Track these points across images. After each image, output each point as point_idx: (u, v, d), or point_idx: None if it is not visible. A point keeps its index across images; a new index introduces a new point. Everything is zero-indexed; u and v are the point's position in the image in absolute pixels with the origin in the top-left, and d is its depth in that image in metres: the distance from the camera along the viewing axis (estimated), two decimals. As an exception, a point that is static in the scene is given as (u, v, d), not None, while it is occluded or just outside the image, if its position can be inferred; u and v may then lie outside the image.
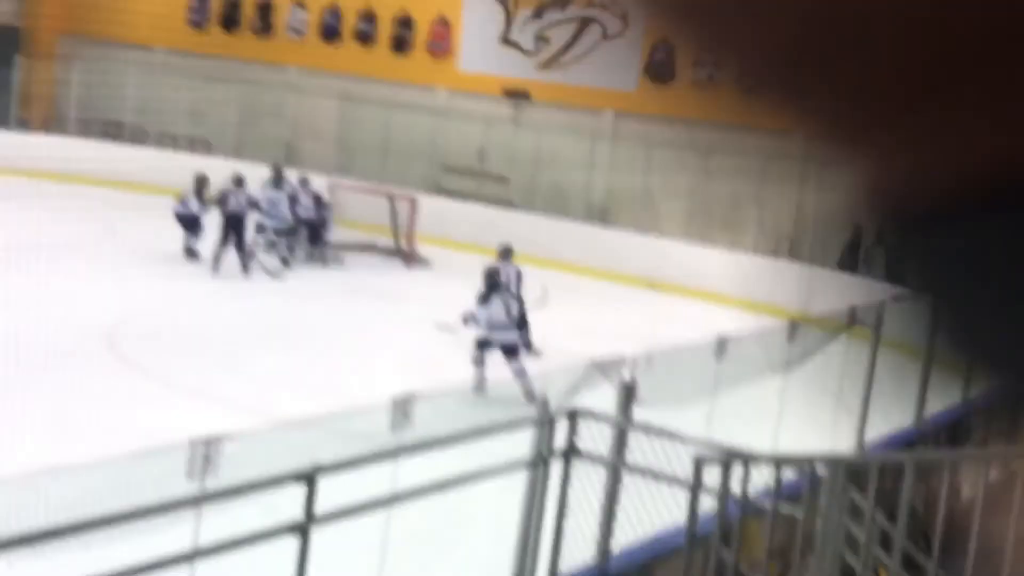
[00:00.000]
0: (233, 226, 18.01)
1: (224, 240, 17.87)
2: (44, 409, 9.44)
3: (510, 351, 12.32)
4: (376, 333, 13.16)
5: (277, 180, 19.48)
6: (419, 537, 7.97)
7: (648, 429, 6.48)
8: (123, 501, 4.77)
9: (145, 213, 18.73)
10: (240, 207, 18.08)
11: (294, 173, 20.37)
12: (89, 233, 17.77)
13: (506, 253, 17.13)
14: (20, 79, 26.62)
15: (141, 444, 7.83)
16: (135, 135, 25.30)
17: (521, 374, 11.86)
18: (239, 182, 18.48)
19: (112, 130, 25.42)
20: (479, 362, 12.13)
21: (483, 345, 12.34)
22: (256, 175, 19.59)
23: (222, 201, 18.07)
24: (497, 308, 12.51)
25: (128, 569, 4.25)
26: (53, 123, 25.91)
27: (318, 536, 5.09)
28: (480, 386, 11.65)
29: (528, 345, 15.15)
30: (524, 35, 24.46)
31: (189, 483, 5.05)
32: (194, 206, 18.16)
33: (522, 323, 13.79)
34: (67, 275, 11.82)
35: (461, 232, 21.35)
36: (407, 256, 20.87)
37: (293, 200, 19.21)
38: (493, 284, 12.89)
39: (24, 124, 25.83)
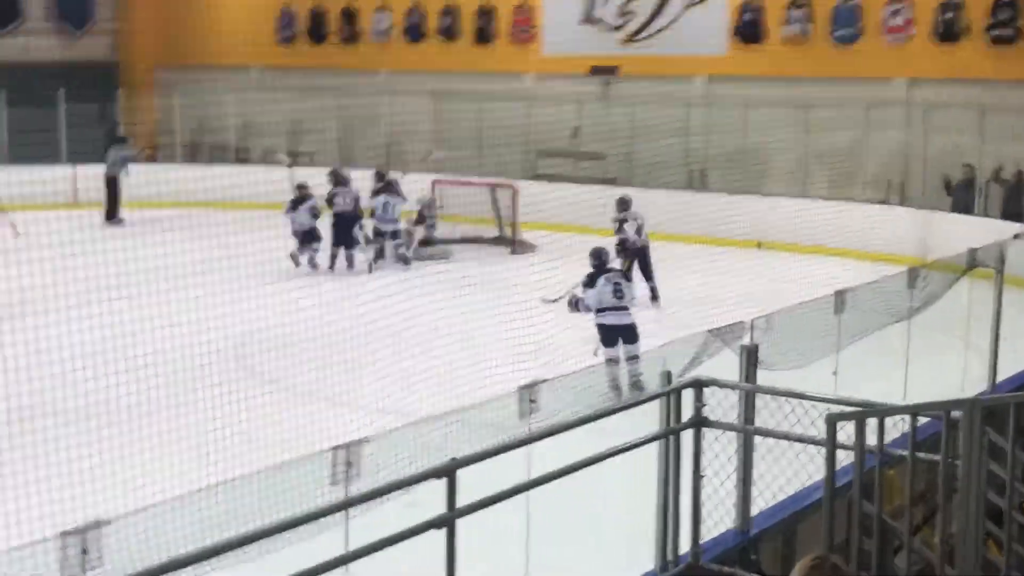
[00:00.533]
0: (343, 225, 18.60)
1: (336, 241, 18.49)
2: (186, 427, 9.75)
3: (625, 333, 11.96)
4: (493, 322, 13.25)
5: (381, 183, 19.91)
6: (559, 520, 8.08)
7: (775, 392, 6.48)
8: (273, 512, 4.94)
9: (257, 229, 19.12)
10: (347, 205, 18.69)
11: (395, 174, 20.69)
12: (207, 253, 18.30)
13: (624, 203, 17.59)
14: (122, 112, 27.37)
15: (282, 454, 8.08)
16: (240, 155, 25.82)
17: (634, 360, 11.22)
18: (344, 181, 19.11)
19: (218, 153, 25.99)
20: (612, 358, 11.49)
21: (608, 334, 11.96)
22: (362, 184, 19.93)
23: (330, 201, 18.74)
24: (605, 290, 12.18)
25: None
26: (158, 153, 26.59)
27: (461, 527, 5.20)
28: (615, 383, 10.39)
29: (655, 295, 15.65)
30: (607, 11, 24.39)
31: (333, 488, 5.22)
32: (304, 219, 18.57)
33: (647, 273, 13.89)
34: (192, 296, 12.12)
35: (563, 214, 21.38)
36: (513, 243, 21.03)
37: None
38: (600, 265, 12.56)
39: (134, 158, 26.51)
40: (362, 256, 18.95)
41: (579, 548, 7.97)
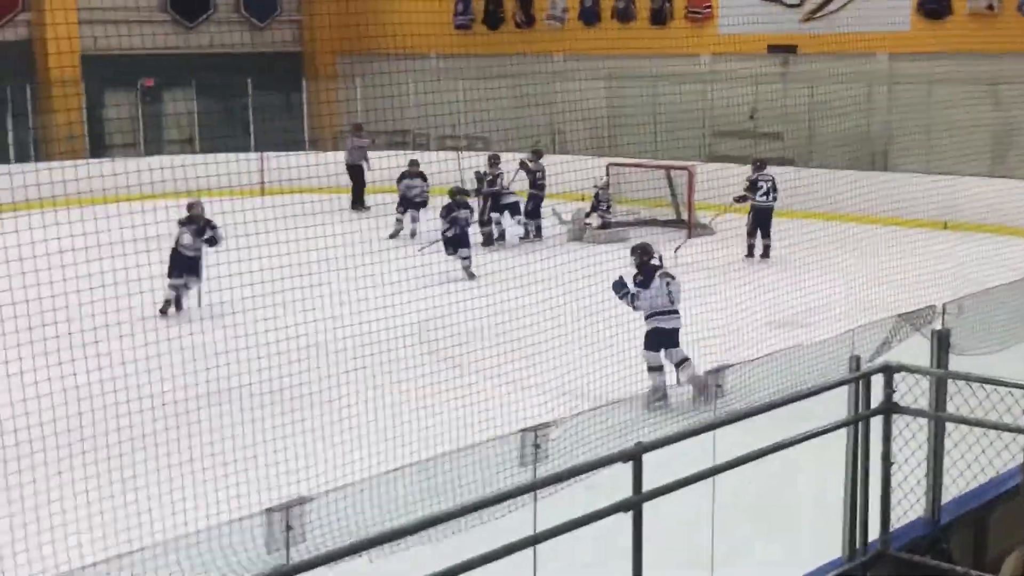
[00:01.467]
0: (494, 205, 19.16)
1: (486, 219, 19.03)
2: (381, 408, 10.03)
3: (672, 338, 11.21)
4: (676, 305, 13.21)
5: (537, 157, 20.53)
6: (744, 507, 8.05)
7: (967, 378, 6.31)
8: (463, 492, 5.07)
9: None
10: (500, 186, 19.29)
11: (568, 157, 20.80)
12: (382, 235, 18.77)
13: (760, 165, 18.03)
14: (307, 102, 28.19)
15: (471, 436, 8.27)
16: (419, 141, 26.30)
17: (685, 363, 10.80)
18: (495, 160, 19.67)
19: (398, 139, 26.53)
20: (655, 365, 10.92)
21: (658, 339, 11.16)
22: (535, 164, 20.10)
23: (484, 181, 19.32)
24: (660, 292, 11.34)
25: (476, 559, 4.46)
26: (341, 140, 27.25)
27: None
28: (658, 396, 10.16)
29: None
30: (786, -11, 23.99)
31: (522, 470, 5.33)
32: (463, 217, 18.56)
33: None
34: (374, 280, 12.42)
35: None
36: (690, 226, 20.89)
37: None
38: (647, 261, 11.66)
39: (315, 144, 27.29)
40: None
41: (765, 535, 7.92)
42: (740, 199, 19.11)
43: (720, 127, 24.42)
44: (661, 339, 11.17)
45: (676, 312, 11.37)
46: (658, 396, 10.12)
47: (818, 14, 23.67)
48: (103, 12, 26.25)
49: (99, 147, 26.02)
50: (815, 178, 21.25)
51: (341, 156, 24.21)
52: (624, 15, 26.56)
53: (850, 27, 23.00)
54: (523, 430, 5.32)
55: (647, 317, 11.33)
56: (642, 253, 11.77)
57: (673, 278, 11.55)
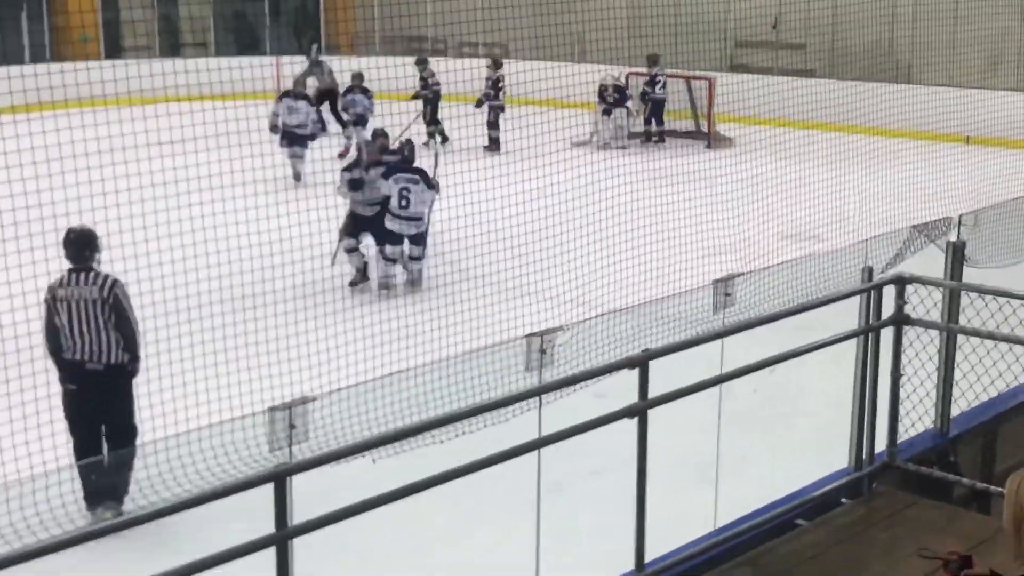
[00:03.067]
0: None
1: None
2: (387, 310, 10.05)
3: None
4: (688, 216, 13.14)
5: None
6: (751, 416, 8.05)
7: (981, 290, 6.25)
8: (469, 395, 5.08)
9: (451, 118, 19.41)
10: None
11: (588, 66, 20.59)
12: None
13: (654, 60, 18.20)
14: (324, 3, 27.90)
15: (477, 341, 8.27)
16: (438, 47, 25.99)
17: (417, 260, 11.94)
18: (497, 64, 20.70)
19: (415, 45, 26.22)
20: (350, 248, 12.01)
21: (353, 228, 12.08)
22: (555, 73, 19.87)
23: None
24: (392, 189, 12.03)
25: (480, 461, 4.47)
26: (358, 45, 27.01)
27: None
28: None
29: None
30: None
31: (527, 375, 5.31)
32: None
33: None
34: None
35: (761, 107, 20.89)
36: (710, 137, 20.71)
37: None
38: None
39: (334, 50, 27.03)
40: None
41: (772, 443, 7.94)
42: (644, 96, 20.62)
43: (742, 37, 24.06)
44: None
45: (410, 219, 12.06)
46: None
47: (846, -78, 23.18)
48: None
49: (114, 50, 25.83)
50: (838, 89, 20.98)
51: (357, 63, 23.71)
52: (647, -81, 26.04)
53: (877, -65, 22.58)
54: (529, 335, 5.29)
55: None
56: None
57: (416, 183, 12.10)
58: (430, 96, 20.92)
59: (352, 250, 12.15)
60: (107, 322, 7.32)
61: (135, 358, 7.49)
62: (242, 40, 26.70)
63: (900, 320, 6.19)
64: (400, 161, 12.49)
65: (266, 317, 9.99)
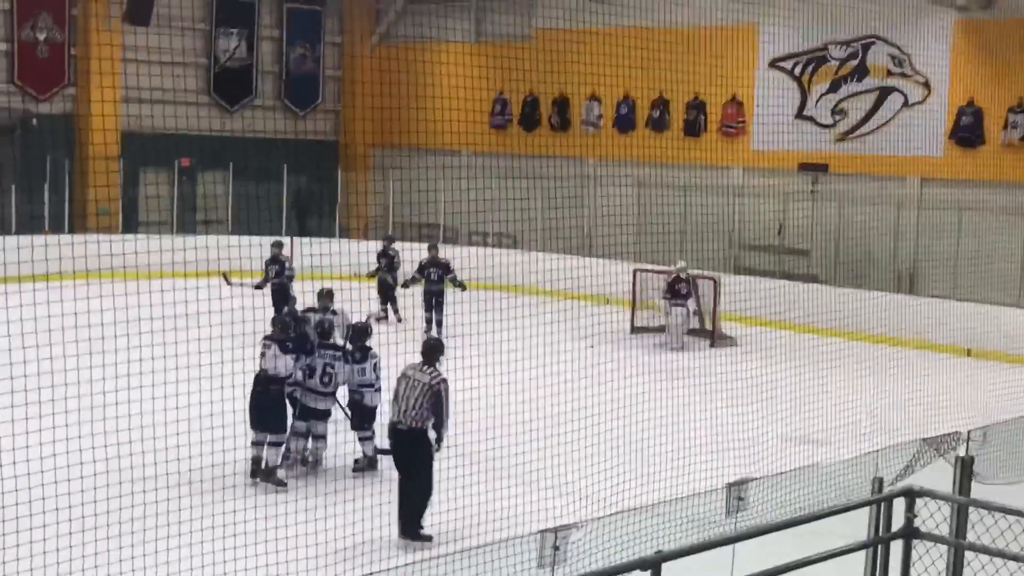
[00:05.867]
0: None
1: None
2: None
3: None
4: (692, 414, 13.25)
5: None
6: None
7: (990, 507, 6.29)
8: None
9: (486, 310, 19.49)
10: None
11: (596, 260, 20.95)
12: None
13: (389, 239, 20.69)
14: (340, 190, 28.60)
15: (492, 533, 8.25)
16: (448, 235, 26.55)
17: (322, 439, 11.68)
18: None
19: (427, 232, 26.78)
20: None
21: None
22: (561, 265, 20.26)
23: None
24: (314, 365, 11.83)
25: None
26: (372, 230, 27.55)
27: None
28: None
29: None
30: (820, 109, 24.27)
31: (540, 572, 5.33)
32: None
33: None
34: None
35: (764, 309, 21.19)
36: (713, 336, 20.92)
37: None
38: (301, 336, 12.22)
39: (345, 232, 27.59)
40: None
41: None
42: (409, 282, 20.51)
43: (748, 240, 24.58)
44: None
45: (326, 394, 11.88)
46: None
47: (852, 135, 23.94)
48: (146, 92, 26.79)
49: (132, 223, 26.36)
50: (840, 296, 21.33)
51: (370, 245, 24.07)
52: (658, 124, 26.91)
53: (882, 149, 23.27)
54: (543, 531, 5.33)
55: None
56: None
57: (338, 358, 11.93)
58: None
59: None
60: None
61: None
62: (258, 219, 27.25)
63: (910, 533, 6.22)
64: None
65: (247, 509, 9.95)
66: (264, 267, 19.39)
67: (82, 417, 9.38)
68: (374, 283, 21.19)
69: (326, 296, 14.23)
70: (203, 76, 29.41)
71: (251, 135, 29.01)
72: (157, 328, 11.24)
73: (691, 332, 20.81)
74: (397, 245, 22.00)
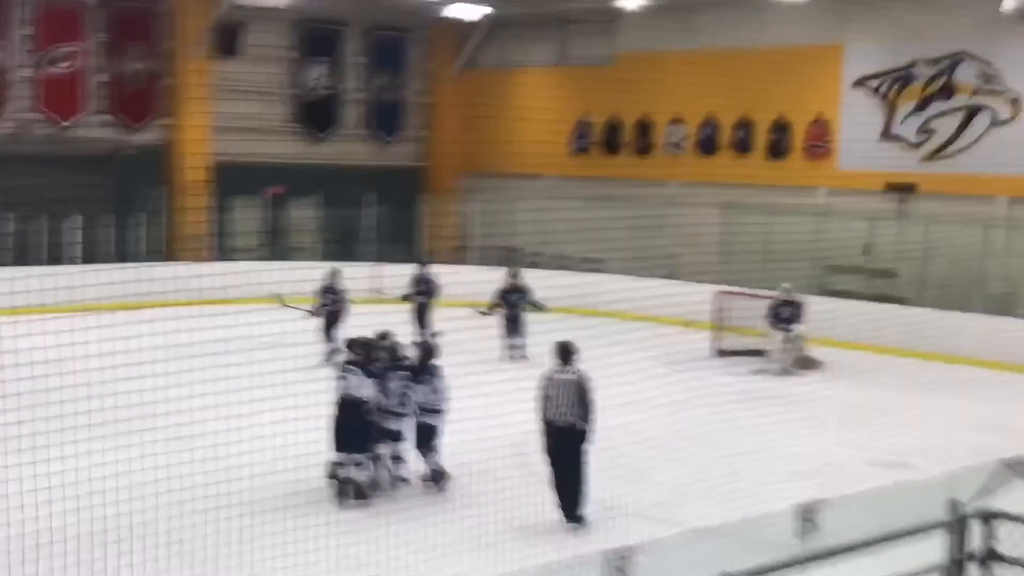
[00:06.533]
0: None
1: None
2: (466, 518, 10.08)
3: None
4: (775, 437, 13.15)
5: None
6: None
7: (1070, 530, 6.18)
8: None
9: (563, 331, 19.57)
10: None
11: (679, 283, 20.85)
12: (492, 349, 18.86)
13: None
14: (425, 215, 28.89)
15: (556, 553, 8.29)
16: (532, 259, 26.67)
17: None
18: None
19: (511, 256, 26.93)
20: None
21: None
22: (644, 285, 20.30)
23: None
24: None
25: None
26: (457, 254, 27.81)
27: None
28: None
29: None
30: (906, 128, 23.95)
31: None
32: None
33: None
34: (480, 393, 12.53)
35: (852, 332, 20.95)
36: (798, 359, 20.69)
37: None
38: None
39: (431, 257, 27.84)
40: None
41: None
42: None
43: (833, 261, 24.31)
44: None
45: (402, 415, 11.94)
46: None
47: (939, 155, 23.60)
48: (236, 121, 27.36)
49: (225, 250, 26.88)
50: (928, 318, 21.01)
51: (458, 269, 24.11)
52: (742, 146, 26.79)
53: (970, 169, 22.90)
54: (608, 551, 5.37)
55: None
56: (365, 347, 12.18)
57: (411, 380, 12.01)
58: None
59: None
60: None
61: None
62: (346, 246, 27.63)
63: (988, 556, 6.13)
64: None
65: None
66: (320, 294, 19.17)
67: (172, 442, 9.63)
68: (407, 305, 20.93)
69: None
70: (291, 105, 29.94)
71: (338, 163, 29.47)
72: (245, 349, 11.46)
73: (798, 361, 20.19)
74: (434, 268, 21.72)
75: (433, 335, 17.26)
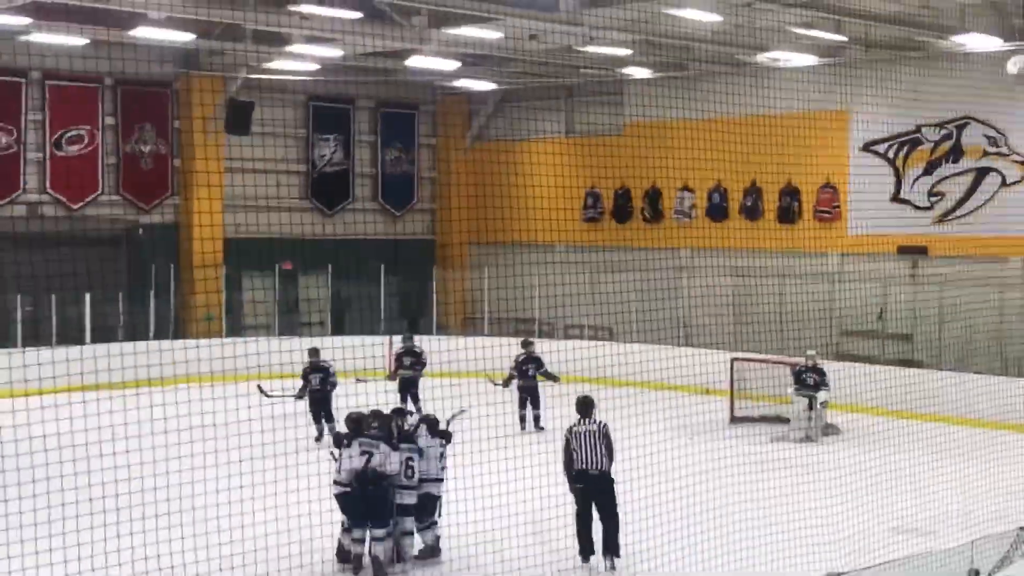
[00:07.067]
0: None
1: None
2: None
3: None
4: (797, 506, 13.00)
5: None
6: None
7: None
8: None
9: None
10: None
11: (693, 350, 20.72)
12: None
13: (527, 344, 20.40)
14: (437, 287, 28.93)
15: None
16: (544, 329, 26.65)
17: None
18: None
19: (523, 327, 26.90)
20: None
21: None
22: (658, 356, 20.20)
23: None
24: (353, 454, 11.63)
25: None
26: (469, 325, 27.79)
27: None
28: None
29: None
30: (916, 192, 24.00)
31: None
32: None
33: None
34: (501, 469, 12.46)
35: (867, 396, 20.79)
36: (821, 426, 20.54)
37: None
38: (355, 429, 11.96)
39: (443, 329, 27.84)
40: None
41: None
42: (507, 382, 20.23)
43: (848, 326, 24.23)
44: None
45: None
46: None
47: (950, 217, 23.61)
48: (248, 199, 27.50)
49: (235, 327, 26.91)
50: (944, 381, 20.85)
51: (471, 342, 23.94)
52: (752, 212, 26.85)
53: (982, 230, 22.88)
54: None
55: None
56: (348, 422, 12.11)
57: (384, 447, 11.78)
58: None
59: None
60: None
61: None
62: (356, 320, 27.65)
63: (1010, 625, 6.02)
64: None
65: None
66: (303, 376, 18.64)
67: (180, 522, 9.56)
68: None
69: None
70: (302, 181, 30.14)
71: (350, 237, 29.59)
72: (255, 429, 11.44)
73: (829, 428, 20.00)
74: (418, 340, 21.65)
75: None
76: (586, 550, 12.07)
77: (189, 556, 9.40)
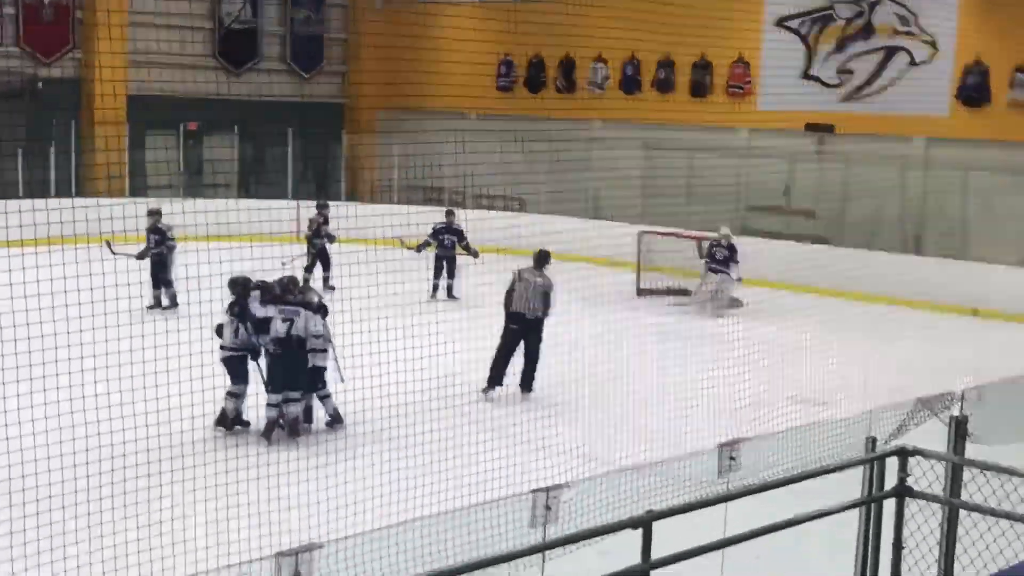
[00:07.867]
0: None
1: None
2: (395, 461, 10.05)
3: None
4: (695, 376, 13.28)
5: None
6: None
7: (983, 466, 6.30)
8: (473, 549, 5.11)
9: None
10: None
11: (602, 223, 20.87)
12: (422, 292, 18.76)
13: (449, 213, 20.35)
14: (345, 153, 28.55)
15: (483, 494, 8.30)
16: (454, 198, 26.52)
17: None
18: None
19: (433, 195, 26.76)
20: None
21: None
22: (568, 226, 20.31)
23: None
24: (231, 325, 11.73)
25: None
26: (378, 193, 27.55)
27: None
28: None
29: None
30: (826, 69, 24.12)
31: (532, 531, 5.36)
32: None
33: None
34: (397, 333, 12.44)
35: (771, 271, 21.16)
36: (726, 300, 20.88)
37: None
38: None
39: (351, 196, 27.57)
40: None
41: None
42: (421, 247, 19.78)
43: (754, 201, 24.51)
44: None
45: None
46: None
47: (857, 95, 23.80)
48: (151, 56, 26.70)
49: (139, 187, 26.36)
50: (846, 257, 21.30)
51: (379, 208, 23.77)
52: (664, 86, 26.81)
53: (888, 109, 23.14)
54: (535, 491, 5.36)
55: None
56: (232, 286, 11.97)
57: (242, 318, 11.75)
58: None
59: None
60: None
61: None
62: (264, 184, 27.28)
63: (902, 492, 6.25)
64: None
65: (268, 464, 10.05)
66: (146, 236, 17.86)
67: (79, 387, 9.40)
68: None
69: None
70: (208, 39, 29.31)
71: (256, 98, 28.96)
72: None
73: (732, 302, 20.35)
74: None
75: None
76: (494, 380, 13.16)
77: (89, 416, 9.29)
